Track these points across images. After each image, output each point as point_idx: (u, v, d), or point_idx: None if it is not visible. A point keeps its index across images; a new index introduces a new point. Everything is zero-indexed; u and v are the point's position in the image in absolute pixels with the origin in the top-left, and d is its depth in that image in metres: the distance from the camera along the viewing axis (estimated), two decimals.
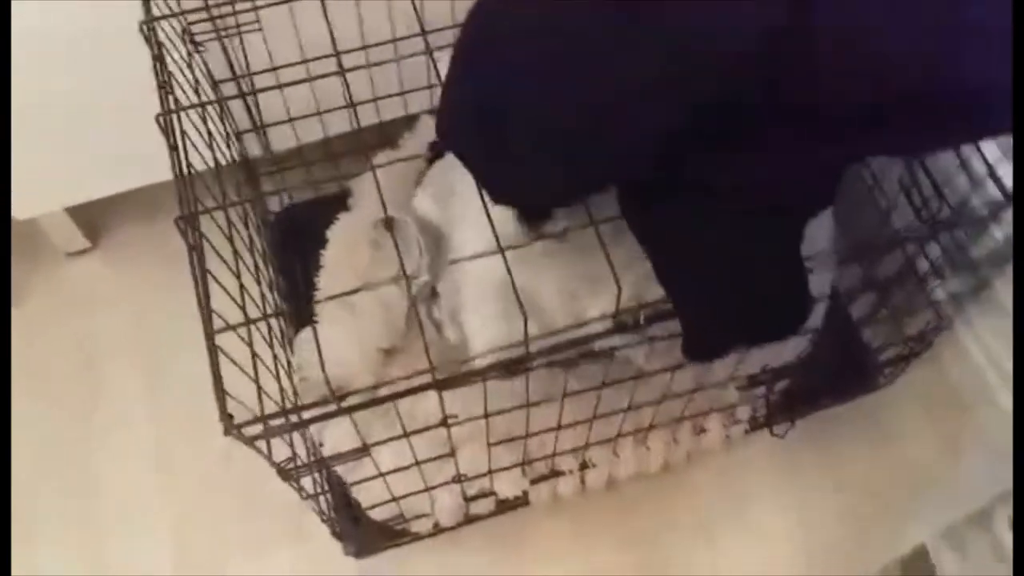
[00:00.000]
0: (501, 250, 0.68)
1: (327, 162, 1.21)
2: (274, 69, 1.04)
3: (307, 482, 0.87)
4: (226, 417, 0.68)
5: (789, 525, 1.14)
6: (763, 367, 0.92)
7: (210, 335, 0.69)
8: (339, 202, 1.22)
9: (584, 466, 1.06)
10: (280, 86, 0.99)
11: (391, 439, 0.82)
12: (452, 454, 0.88)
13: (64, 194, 1.19)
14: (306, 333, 1.13)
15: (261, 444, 0.72)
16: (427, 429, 0.81)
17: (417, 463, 0.88)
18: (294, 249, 1.22)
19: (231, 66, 1.04)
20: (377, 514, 1.02)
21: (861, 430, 1.18)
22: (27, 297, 1.30)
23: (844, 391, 1.17)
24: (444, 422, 0.81)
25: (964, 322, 1.10)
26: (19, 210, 1.18)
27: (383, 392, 0.73)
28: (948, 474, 0.83)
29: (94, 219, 1.32)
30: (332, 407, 0.71)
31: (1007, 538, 0.76)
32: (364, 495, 0.97)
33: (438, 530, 1.09)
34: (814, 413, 1.16)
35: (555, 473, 1.06)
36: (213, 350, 0.69)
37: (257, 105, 1.10)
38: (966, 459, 0.80)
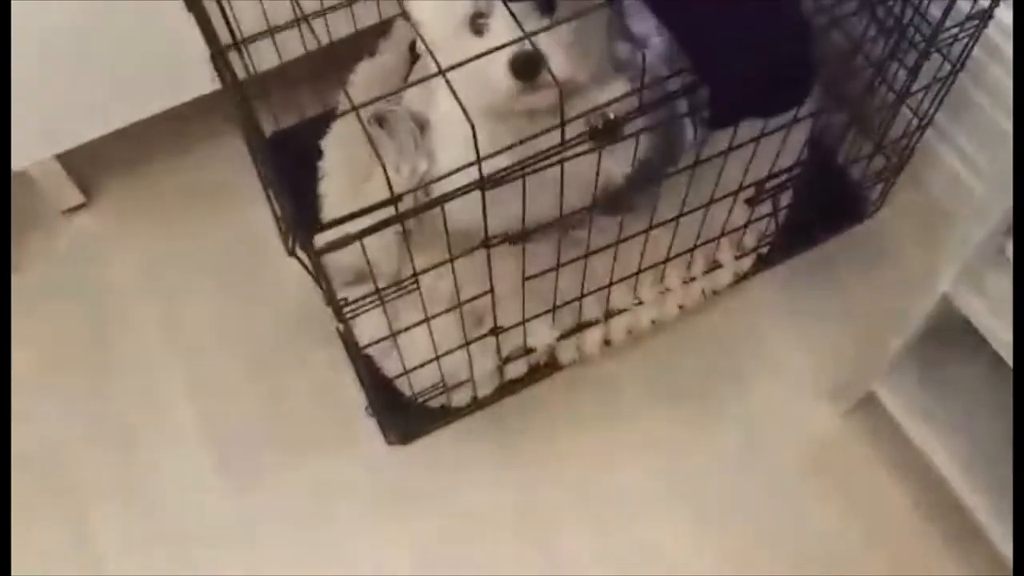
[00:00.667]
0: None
1: (310, 83, 1.23)
2: None
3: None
4: (292, 222, 0.71)
5: (805, 357, 1.19)
6: (770, 170, 0.98)
7: (261, 147, 0.71)
8: (325, 121, 1.25)
9: (608, 315, 1.10)
10: None
11: (435, 266, 0.85)
12: (491, 290, 0.91)
13: (54, 140, 1.19)
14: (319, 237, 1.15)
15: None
16: (469, 252, 0.84)
17: (460, 304, 0.92)
18: (289, 170, 1.24)
19: None
20: (417, 382, 1.04)
21: (857, 260, 1.24)
22: (27, 263, 1.29)
23: (837, 223, 1.24)
24: (485, 243, 0.84)
25: (937, 133, 1.17)
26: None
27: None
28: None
29: (86, 171, 1.32)
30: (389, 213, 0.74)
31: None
32: (407, 354, 0.99)
33: (476, 405, 1.12)
34: (812, 249, 1.23)
35: (581, 326, 1.09)
36: (263, 160, 0.72)
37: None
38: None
